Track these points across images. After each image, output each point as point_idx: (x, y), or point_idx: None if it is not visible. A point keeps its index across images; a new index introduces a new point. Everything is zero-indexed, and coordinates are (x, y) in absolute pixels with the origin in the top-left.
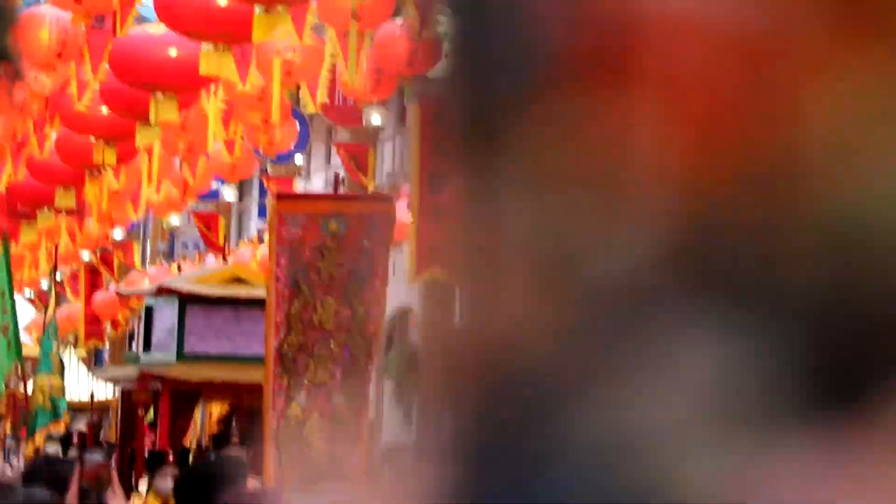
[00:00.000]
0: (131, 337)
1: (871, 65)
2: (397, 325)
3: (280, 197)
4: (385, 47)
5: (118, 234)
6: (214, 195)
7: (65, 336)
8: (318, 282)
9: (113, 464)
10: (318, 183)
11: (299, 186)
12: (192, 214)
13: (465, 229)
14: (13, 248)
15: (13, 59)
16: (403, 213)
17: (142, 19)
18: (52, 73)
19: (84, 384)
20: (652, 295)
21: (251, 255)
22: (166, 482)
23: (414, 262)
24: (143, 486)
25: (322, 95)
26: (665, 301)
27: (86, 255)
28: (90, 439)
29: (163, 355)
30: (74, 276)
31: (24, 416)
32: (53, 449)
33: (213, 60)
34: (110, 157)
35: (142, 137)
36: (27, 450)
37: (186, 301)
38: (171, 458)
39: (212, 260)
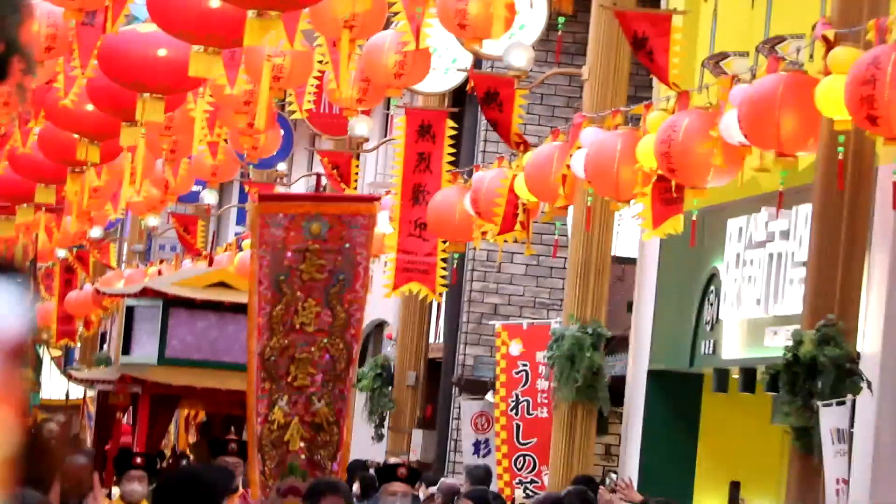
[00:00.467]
0: (103, 337)
1: None
2: (372, 338)
3: (262, 198)
4: (373, 58)
5: (96, 232)
6: (194, 197)
7: (42, 332)
8: (299, 284)
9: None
10: (299, 190)
11: None
12: (170, 216)
13: None
14: None
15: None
16: (384, 225)
17: (132, 18)
18: (40, 68)
19: (56, 383)
20: None
21: (228, 261)
22: (132, 485)
23: (392, 276)
24: (115, 490)
25: (308, 103)
26: None
27: (62, 253)
28: (63, 439)
29: (143, 358)
30: (49, 273)
31: None
32: None
33: (202, 62)
34: (94, 154)
35: (126, 137)
36: None
37: (170, 303)
38: (138, 460)
39: (188, 263)
